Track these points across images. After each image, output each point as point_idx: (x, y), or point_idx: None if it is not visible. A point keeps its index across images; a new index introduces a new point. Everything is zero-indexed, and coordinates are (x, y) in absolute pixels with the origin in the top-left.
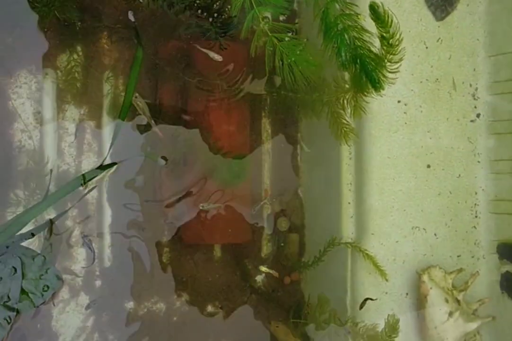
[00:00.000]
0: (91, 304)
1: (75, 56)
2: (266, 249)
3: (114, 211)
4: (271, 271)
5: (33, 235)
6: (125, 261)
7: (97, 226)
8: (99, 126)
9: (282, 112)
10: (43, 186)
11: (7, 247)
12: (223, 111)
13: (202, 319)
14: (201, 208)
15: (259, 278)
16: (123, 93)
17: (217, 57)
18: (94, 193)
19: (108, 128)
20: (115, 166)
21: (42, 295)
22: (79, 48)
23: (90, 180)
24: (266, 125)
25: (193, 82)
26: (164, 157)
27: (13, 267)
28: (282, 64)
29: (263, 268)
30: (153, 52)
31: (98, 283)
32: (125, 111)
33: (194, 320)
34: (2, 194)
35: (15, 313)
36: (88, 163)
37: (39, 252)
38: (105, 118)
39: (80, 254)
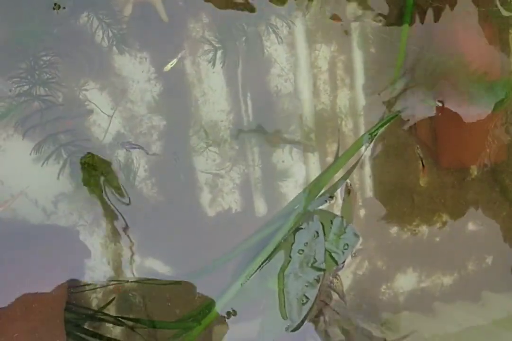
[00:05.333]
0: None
1: None
2: None
3: None
4: None
5: (331, 197)
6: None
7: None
8: (350, 60)
9: None
10: (302, 127)
11: (308, 212)
12: None
13: (463, 237)
14: None
15: None
16: None
17: None
18: None
19: (358, 61)
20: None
21: (343, 253)
22: None
23: (375, 136)
24: None
25: None
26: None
27: (316, 231)
28: None
29: None
30: None
31: (362, 212)
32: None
33: (455, 239)
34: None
35: (322, 273)
36: (343, 97)
37: (335, 213)
38: (356, 52)
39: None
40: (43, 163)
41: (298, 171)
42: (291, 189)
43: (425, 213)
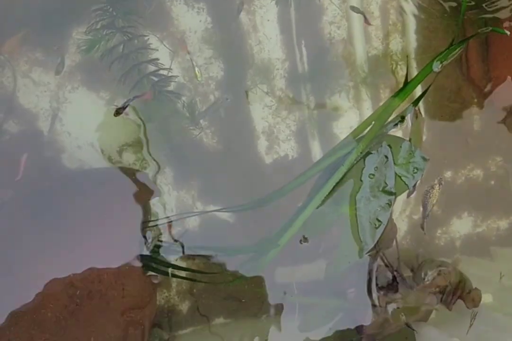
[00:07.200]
0: None
1: None
2: None
3: None
4: None
5: (403, 118)
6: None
7: None
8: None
9: None
10: (355, 73)
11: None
12: None
13: None
14: None
15: None
16: None
17: None
18: None
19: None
20: None
21: (413, 177)
22: None
23: (443, 62)
24: None
25: None
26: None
27: (385, 156)
28: None
29: None
30: None
31: None
32: None
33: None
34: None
35: (394, 197)
36: (395, 43)
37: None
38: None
39: None
40: (130, 91)
41: (353, 116)
42: (346, 135)
43: (479, 156)
